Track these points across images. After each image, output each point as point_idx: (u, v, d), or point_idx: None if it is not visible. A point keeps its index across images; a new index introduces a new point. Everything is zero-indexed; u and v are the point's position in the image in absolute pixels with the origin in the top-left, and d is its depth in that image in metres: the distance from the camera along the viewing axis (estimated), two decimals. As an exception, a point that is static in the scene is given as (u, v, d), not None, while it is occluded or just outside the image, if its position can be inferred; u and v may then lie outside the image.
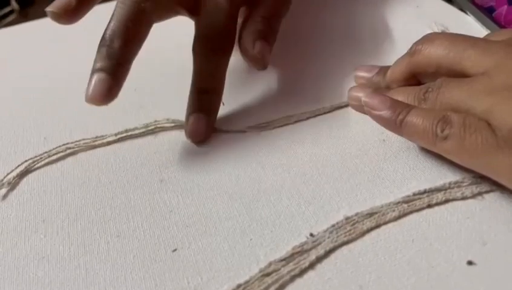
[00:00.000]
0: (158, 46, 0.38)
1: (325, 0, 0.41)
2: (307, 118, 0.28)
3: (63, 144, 0.27)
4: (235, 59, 0.35)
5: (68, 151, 0.27)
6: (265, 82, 0.32)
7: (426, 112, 0.23)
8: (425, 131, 0.22)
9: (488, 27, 0.35)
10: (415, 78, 0.26)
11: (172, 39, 0.38)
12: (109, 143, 0.28)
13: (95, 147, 0.28)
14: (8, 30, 0.43)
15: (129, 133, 0.28)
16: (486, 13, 0.36)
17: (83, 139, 0.28)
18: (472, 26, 0.35)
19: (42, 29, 0.42)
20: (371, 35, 0.36)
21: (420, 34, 0.25)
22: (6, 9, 0.76)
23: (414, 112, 0.23)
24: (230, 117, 0.29)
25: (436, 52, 0.24)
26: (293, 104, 0.29)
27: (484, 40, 0.24)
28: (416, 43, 0.25)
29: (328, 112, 0.28)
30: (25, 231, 0.23)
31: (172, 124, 0.28)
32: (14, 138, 0.29)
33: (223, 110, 0.29)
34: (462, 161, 0.22)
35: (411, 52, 0.25)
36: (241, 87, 0.32)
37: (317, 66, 0.33)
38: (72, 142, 0.27)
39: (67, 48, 0.39)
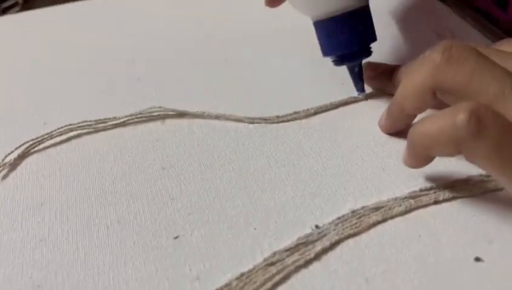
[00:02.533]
0: (163, 36, 0.37)
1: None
2: (315, 113, 0.28)
3: (65, 125, 0.27)
4: (245, 51, 0.35)
5: (70, 134, 0.27)
6: (274, 76, 0.32)
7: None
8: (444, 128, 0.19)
9: (488, 32, 0.35)
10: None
11: (179, 29, 0.38)
12: (111, 127, 0.27)
13: (97, 130, 0.27)
14: (11, 17, 0.43)
15: (132, 119, 0.28)
16: (485, 18, 0.36)
17: (85, 121, 0.27)
18: (472, 31, 0.35)
19: (43, 18, 0.42)
20: (380, 37, 0.36)
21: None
22: (10, 2, 0.76)
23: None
24: (237, 108, 0.29)
25: (463, 78, 0.20)
26: (300, 99, 0.29)
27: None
28: (439, 51, 0.21)
29: (336, 107, 0.28)
30: (22, 213, 0.23)
31: (175, 112, 0.28)
32: (14, 123, 0.29)
33: (229, 102, 0.29)
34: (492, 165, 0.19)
35: (433, 65, 0.21)
36: (250, 80, 0.31)
37: (324, 64, 0.32)
38: (74, 124, 0.27)
39: (68, 36, 0.38)
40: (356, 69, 0.28)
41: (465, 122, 0.18)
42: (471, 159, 0.19)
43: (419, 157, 0.22)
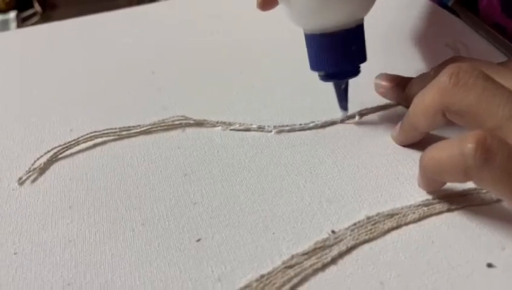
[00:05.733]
0: (185, 47, 0.39)
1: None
2: (331, 124, 0.29)
3: (91, 132, 0.28)
4: (262, 62, 0.36)
5: (96, 140, 0.28)
6: (290, 86, 0.33)
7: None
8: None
9: (501, 45, 0.36)
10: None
11: (196, 40, 0.39)
12: (135, 135, 0.29)
13: (121, 137, 0.28)
14: (36, 28, 0.45)
15: (155, 127, 0.29)
16: (497, 31, 0.37)
17: (110, 129, 0.28)
18: (484, 44, 0.36)
19: (67, 30, 0.43)
20: (387, 50, 0.37)
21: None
22: (30, 12, 0.78)
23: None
24: (255, 118, 0.30)
25: (471, 103, 0.21)
26: (316, 109, 0.30)
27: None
28: (447, 76, 0.22)
29: (351, 119, 0.29)
30: (52, 215, 0.24)
31: (195, 121, 0.29)
32: (42, 130, 0.30)
33: (247, 111, 0.30)
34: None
35: (442, 87, 0.22)
36: (267, 90, 0.32)
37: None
38: (99, 131, 0.28)
39: (90, 48, 0.40)
40: (343, 86, 0.27)
41: (473, 152, 0.18)
42: (480, 185, 0.20)
43: (430, 183, 0.23)
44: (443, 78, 0.22)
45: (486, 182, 0.19)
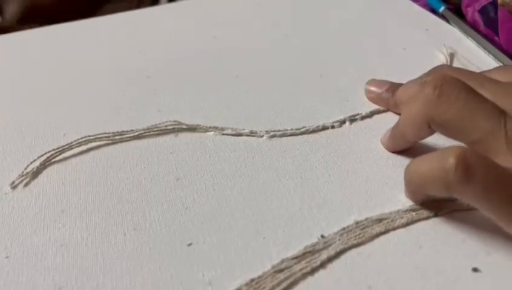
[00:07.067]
0: (181, 51, 0.39)
1: (341, 22, 0.43)
2: (322, 129, 0.29)
3: (84, 136, 0.28)
4: (255, 67, 0.36)
5: (89, 145, 0.28)
6: (282, 91, 0.33)
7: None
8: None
9: (490, 52, 0.36)
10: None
11: (192, 44, 0.40)
12: (128, 139, 0.29)
13: (114, 142, 0.29)
14: (29, 32, 0.45)
15: (148, 132, 0.29)
16: (488, 39, 0.38)
17: (104, 133, 0.29)
18: (475, 50, 0.37)
19: (60, 33, 0.44)
20: (381, 55, 0.37)
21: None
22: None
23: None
24: (247, 123, 0.30)
25: (454, 116, 0.21)
26: (307, 114, 0.30)
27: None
28: (431, 88, 0.22)
29: (342, 124, 0.29)
30: (44, 219, 0.24)
31: (188, 126, 0.30)
32: (35, 134, 0.30)
33: (240, 116, 0.30)
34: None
35: (426, 99, 0.22)
36: (259, 96, 0.33)
37: (330, 82, 0.34)
38: (92, 135, 0.28)
39: (84, 51, 0.40)
40: None
41: (454, 168, 0.19)
42: (462, 199, 0.20)
43: (415, 194, 0.23)
44: (427, 90, 0.22)
45: (467, 197, 0.19)
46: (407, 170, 0.22)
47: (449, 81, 0.22)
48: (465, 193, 0.19)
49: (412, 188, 0.23)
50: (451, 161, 0.19)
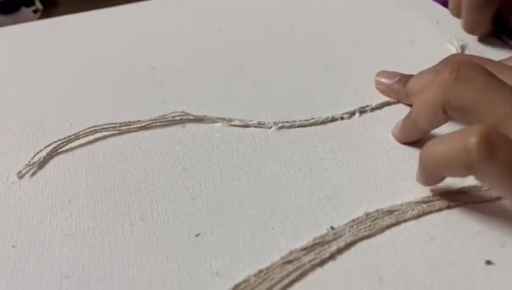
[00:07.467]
0: (186, 43, 0.39)
1: (348, 13, 0.42)
2: (331, 120, 0.29)
3: (91, 126, 0.28)
4: (262, 59, 0.36)
5: (96, 135, 0.28)
6: (290, 83, 0.33)
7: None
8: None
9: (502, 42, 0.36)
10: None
11: (198, 36, 0.39)
12: (135, 130, 0.29)
13: (121, 132, 0.28)
14: (32, 24, 0.45)
15: (155, 123, 0.29)
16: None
17: (111, 123, 0.28)
18: (486, 41, 0.36)
19: (69, 25, 0.43)
20: (389, 47, 0.37)
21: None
22: (31, 9, 0.78)
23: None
24: (255, 114, 0.30)
25: (472, 98, 0.21)
26: (315, 106, 0.30)
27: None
28: (448, 71, 0.22)
29: (351, 116, 0.29)
30: (51, 209, 0.24)
31: (195, 117, 0.29)
32: (42, 124, 0.30)
33: (247, 107, 0.30)
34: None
35: (443, 83, 0.22)
36: (266, 87, 0.32)
37: (337, 74, 0.33)
38: (99, 126, 0.28)
39: (91, 43, 0.40)
40: None
41: (476, 146, 0.18)
42: (482, 180, 0.19)
43: (430, 177, 0.22)
44: (444, 73, 0.22)
45: (489, 177, 0.19)
46: (423, 152, 0.21)
47: (466, 64, 0.21)
48: (486, 173, 0.19)
49: (428, 170, 0.22)
50: (473, 139, 0.18)
